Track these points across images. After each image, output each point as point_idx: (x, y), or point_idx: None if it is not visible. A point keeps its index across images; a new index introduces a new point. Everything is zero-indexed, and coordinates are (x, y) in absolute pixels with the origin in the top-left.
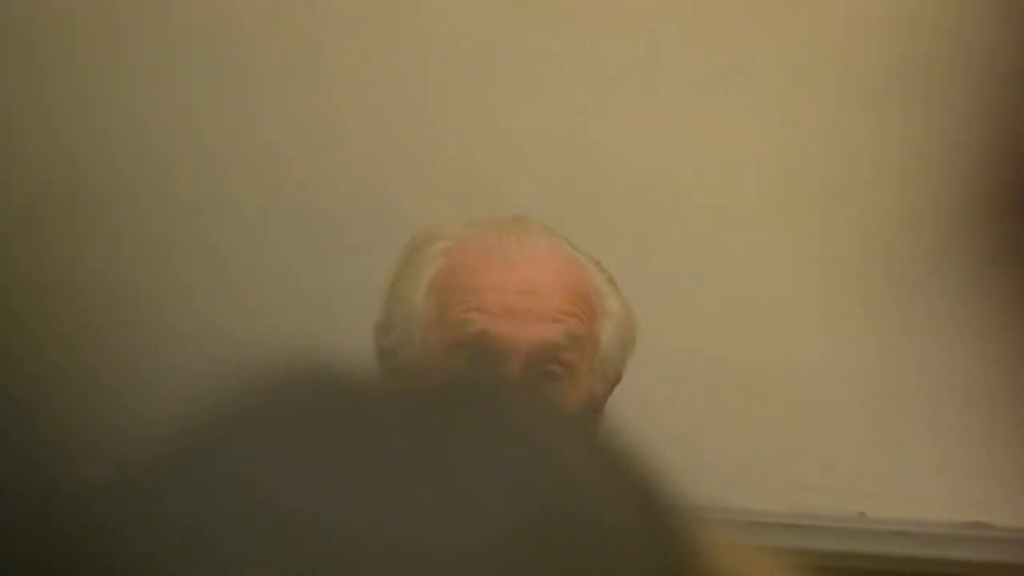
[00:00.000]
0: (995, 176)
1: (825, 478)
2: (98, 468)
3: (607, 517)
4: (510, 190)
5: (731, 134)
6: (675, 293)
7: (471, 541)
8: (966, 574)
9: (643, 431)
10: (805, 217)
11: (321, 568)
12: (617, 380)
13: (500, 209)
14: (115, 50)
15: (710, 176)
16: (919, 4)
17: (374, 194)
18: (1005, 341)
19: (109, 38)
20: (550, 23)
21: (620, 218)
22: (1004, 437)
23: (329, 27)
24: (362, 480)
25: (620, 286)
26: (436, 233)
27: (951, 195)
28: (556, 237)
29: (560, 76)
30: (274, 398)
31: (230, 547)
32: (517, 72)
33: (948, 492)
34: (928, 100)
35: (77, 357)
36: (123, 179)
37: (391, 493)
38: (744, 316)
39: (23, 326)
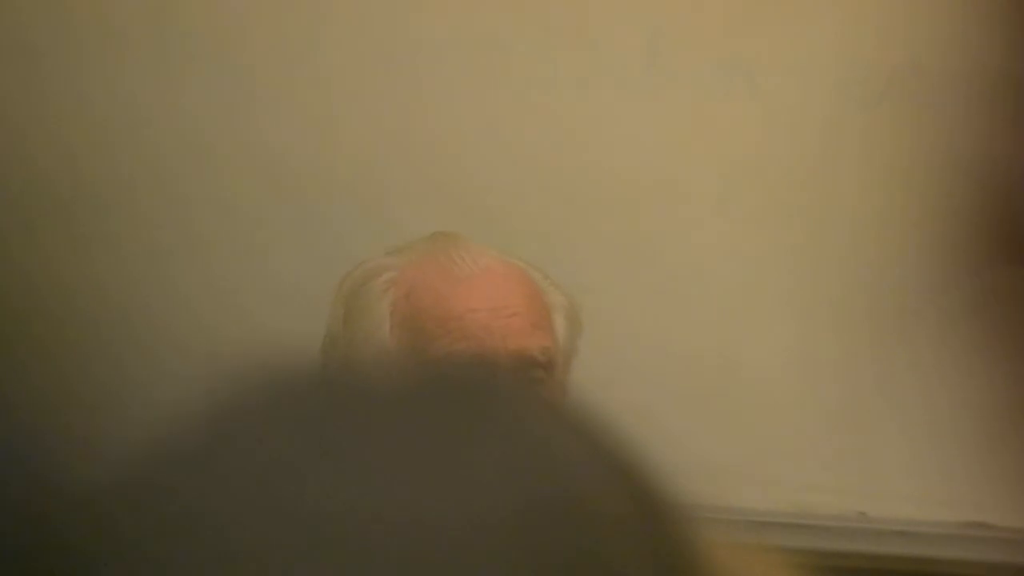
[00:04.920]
0: (988, 182)
1: (825, 478)
2: (94, 469)
3: (605, 508)
4: (506, 187)
5: (730, 134)
6: (676, 292)
7: (469, 530)
8: (966, 574)
9: (643, 430)
10: (805, 216)
11: (317, 560)
12: (571, 361)
13: (498, 207)
14: (114, 50)
15: (709, 175)
16: (920, 5)
17: (371, 195)
18: (1004, 340)
19: (108, 37)
20: (549, 22)
21: (618, 218)
22: (1004, 437)
23: (327, 26)
24: (361, 472)
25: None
26: (374, 268)
27: (948, 197)
28: (485, 246)
29: (558, 76)
30: (271, 395)
31: (228, 543)
32: (514, 72)
33: (948, 492)
34: (926, 102)
35: (73, 356)
36: (121, 180)
37: (390, 484)
38: (745, 315)
39: (17, 325)
